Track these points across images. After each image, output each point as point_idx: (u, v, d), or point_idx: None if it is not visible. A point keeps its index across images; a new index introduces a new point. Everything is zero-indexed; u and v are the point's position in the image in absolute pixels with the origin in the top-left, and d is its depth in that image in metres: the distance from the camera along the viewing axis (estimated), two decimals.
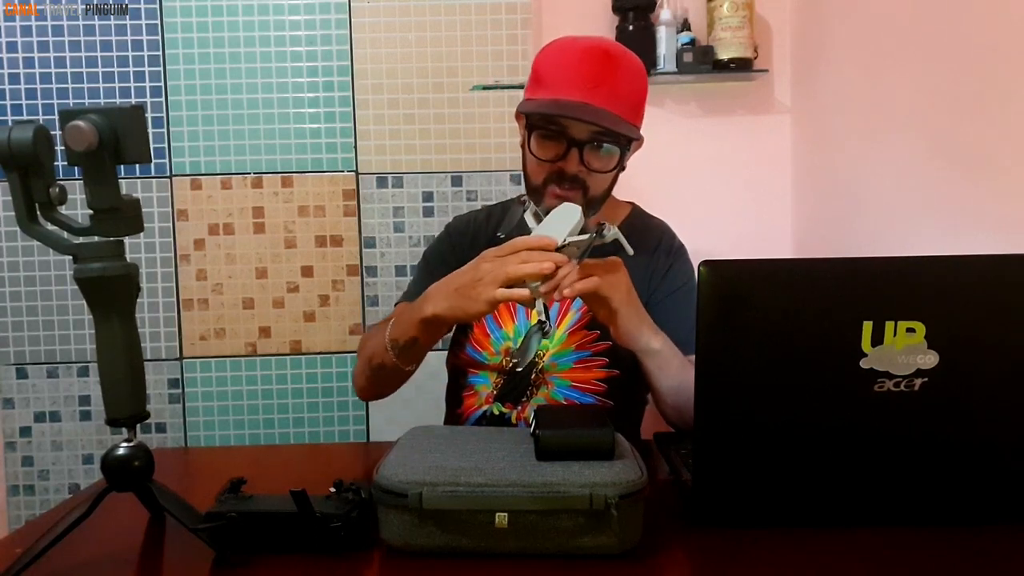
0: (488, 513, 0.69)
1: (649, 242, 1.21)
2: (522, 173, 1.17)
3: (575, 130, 1.06)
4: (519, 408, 1.18)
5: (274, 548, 0.73)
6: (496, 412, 1.19)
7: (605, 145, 1.07)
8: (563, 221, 0.98)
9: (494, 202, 1.35)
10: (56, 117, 1.67)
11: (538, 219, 1.03)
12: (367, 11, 1.79)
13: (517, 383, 1.18)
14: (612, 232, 0.98)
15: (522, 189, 1.78)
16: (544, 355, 1.17)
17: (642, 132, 1.11)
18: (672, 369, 1.02)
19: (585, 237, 0.95)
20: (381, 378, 1.12)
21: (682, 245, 1.25)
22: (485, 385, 1.20)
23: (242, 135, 1.79)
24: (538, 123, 1.08)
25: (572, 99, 1.03)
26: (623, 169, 1.14)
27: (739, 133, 2.00)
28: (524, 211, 1.06)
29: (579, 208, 1.00)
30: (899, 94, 1.44)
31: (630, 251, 1.01)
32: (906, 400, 0.73)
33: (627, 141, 1.09)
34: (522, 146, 1.16)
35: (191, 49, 1.77)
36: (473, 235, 1.25)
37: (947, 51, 1.28)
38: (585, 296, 0.94)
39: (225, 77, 1.78)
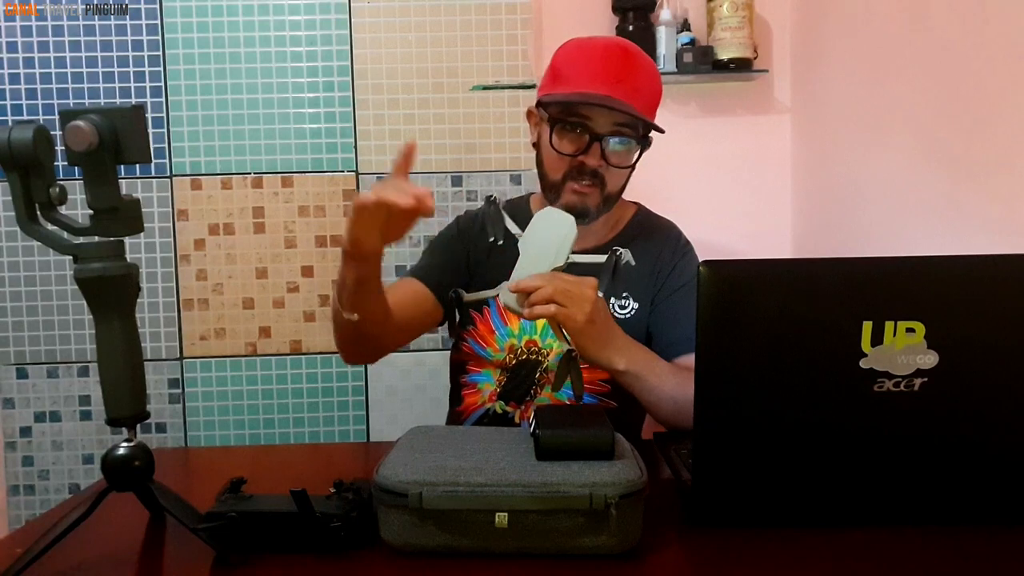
0: (488, 513, 0.70)
1: (656, 240, 1.21)
2: (536, 171, 1.16)
3: (597, 123, 1.06)
4: (522, 407, 1.18)
5: (274, 548, 0.73)
6: (499, 411, 1.19)
7: (625, 139, 1.08)
8: (549, 228, 0.97)
9: None
10: (56, 117, 1.67)
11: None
12: (367, 11, 1.79)
13: (520, 382, 1.18)
14: (625, 256, 1.09)
15: (522, 190, 1.79)
16: (548, 354, 1.17)
17: None
18: (648, 384, 1.01)
19: (602, 259, 1.07)
20: (340, 332, 1.08)
21: (688, 242, 1.25)
22: (488, 383, 1.20)
23: (242, 135, 1.79)
24: (559, 117, 1.08)
25: (596, 92, 1.04)
26: (634, 169, 1.15)
27: (739, 133, 1.99)
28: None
29: (571, 217, 0.98)
30: (899, 94, 1.44)
31: (632, 262, 1.09)
32: (906, 400, 0.73)
33: (645, 135, 1.10)
34: (534, 144, 1.16)
35: (191, 49, 1.77)
36: (481, 225, 1.25)
37: (947, 51, 1.28)
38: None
39: (225, 77, 1.78)
